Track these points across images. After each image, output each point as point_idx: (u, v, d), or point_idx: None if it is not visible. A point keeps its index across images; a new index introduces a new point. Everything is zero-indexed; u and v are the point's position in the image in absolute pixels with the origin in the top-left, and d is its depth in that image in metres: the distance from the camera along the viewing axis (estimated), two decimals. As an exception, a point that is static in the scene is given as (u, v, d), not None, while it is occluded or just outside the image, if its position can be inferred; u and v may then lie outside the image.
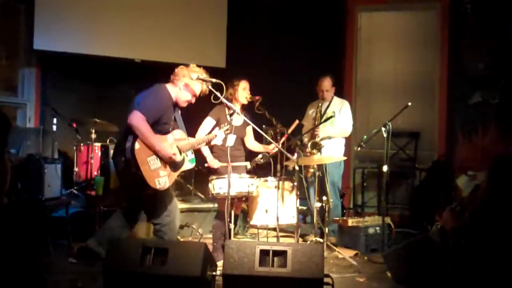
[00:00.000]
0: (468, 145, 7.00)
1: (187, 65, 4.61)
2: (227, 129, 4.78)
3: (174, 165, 4.42)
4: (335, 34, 7.86)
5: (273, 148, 5.27)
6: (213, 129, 5.16)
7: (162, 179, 4.31)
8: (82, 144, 6.39)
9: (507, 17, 6.95)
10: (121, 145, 4.31)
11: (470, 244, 2.13)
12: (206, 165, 5.31)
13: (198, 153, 5.50)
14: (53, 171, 5.47)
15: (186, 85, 4.50)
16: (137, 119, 4.17)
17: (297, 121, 5.42)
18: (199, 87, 4.54)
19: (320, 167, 5.70)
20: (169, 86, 4.52)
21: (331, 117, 5.90)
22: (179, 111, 4.66)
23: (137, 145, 4.18)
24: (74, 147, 6.47)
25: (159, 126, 4.36)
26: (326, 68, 6.78)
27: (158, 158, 4.28)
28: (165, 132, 4.43)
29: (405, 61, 7.85)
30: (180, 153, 4.50)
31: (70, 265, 4.80)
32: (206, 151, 5.27)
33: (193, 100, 4.60)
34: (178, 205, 4.74)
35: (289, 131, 5.25)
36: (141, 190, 4.33)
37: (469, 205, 2.70)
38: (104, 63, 7.13)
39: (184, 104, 4.59)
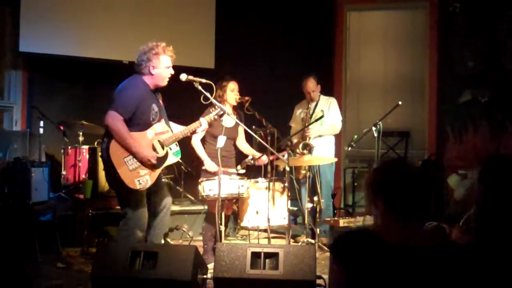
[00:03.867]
0: (459, 144, 7.02)
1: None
2: (215, 114, 4.63)
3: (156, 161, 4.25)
4: (324, 34, 7.84)
5: (261, 157, 5.22)
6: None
7: (143, 178, 4.16)
8: (69, 147, 6.30)
9: (496, 16, 6.97)
10: (103, 145, 4.19)
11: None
12: (203, 168, 5.18)
13: (192, 154, 5.42)
14: (40, 174, 5.41)
15: (153, 67, 4.28)
16: (112, 119, 4.04)
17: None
18: (166, 58, 4.32)
19: (312, 167, 5.67)
20: (142, 76, 4.31)
21: (321, 117, 5.87)
22: (160, 101, 4.46)
23: (112, 146, 4.06)
24: (62, 150, 6.38)
25: (138, 119, 4.18)
26: (316, 68, 6.75)
27: (136, 157, 4.13)
28: (145, 124, 4.23)
29: (394, 60, 7.84)
30: (163, 148, 4.33)
31: (58, 270, 4.73)
32: (202, 152, 5.19)
33: (172, 71, 4.37)
34: (171, 204, 4.58)
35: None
36: (120, 189, 4.21)
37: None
38: (91, 65, 7.05)
39: (166, 82, 4.37)
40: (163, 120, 4.40)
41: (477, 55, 7.10)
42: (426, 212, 2.07)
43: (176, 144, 4.47)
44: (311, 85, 6.08)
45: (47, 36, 6.78)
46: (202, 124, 4.59)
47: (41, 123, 6.24)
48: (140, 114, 4.19)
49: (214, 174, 4.87)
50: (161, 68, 4.31)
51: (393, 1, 7.88)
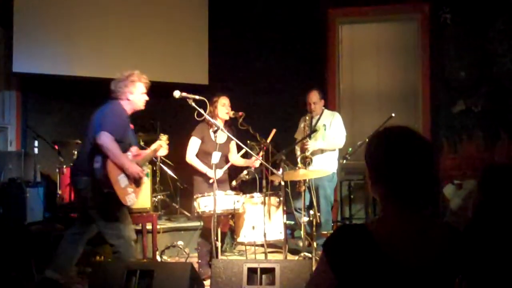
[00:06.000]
0: (453, 154, 7.04)
1: (114, 79, 4.57)
2: (163, 137, 4.81)
3: (137, 181, 4.47)
4: (316, 48, 7.87)
5: (254, 160, 5.26)
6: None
7: (131, 195, 4.37)
8: (64, 166, 6.28)
9: (487, 25, 7.02)
10: (83, 165, 4.34)
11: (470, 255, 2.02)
12: (211, 181, 5.14)
13: (185, 172, 5.46)
14: (35, 194, 5.41)
15: (130, 93, 4.48)
16: (107, 140, 4.16)
17: (274, 130, 5.35)
18: (141, 85, 4.53)
19: (310, 181, 5.66)
20: (120, 102, 4.49)
21: (315, 130, 5.88)
22: (131, 125, 4.67)
23: (109, 165, 4.19)
24: (57, 170, 6.37)
25: (121, 143, 4.34)
26: (309, 81, 6.78)
27: (126, 176, 4.31)
28: (125, 148, 4.44)
29: (387, 72, 7.87)
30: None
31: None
32: (201, 165, 5.24)
33: (146, 97, 4.59)
34: (130, 221, 4.62)
35: (268, 140, 5.21)
36: (109, 207, 4.32)
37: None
38: (84, 83, 7.07)
39: (142, 106, 4.59)
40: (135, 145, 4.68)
41: (469, 65, 7.14)
42: (434, 198, 1.82)
43: (146, 166, 4.77)
44: (314, 97, 6.12)
45: (40, 56, 6.82)
46: (162, 146, 4.80)
47: (36, 143, 6.25)
48: (124, 138, 4.40)
49: (209, 189, 4.87)
50: (137, 94, 4.52)
51: (384, 14, 7.90)
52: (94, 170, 4.21)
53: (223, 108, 5.25)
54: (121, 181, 4.27)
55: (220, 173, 5.17)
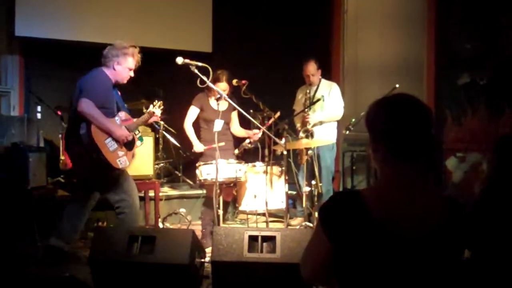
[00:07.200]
0: (457, 127, 7.00)
1: (111, 45, 4.63)
2: (156, 104, 4.82)
3: (128, 144, 4.55)
4: (321, 17, 7.78)
5: (255, 133, 5.28)
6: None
7: (122, 158, 4.46)
8: (67, 132, 6.28)
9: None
10: (73, 134, 4.40)
11: (482, 223, 2.02)
12: (192, 150, 5.31)
13: (185, 139, 5.51)
14: (38, 159, 5.40)
15: (118, 63, 4.53)
16: (87, 106, 4.24)
17: (278, 113, 5.30)
18: (131, 61, 4.57)
19: (312, 151, 5.66)
20: (105, 69, 4.55)
21: (318, 100, 5.84)
22: (119, 92, 4.72)
23: (93, 130, 4.27)
24: (60, 135, 6.37)
25: (105, 108, 4.40)
26: (313, 52, 6.70)
27: (113, 140, 4.40)
28: (111, 114, 4.49)
29: (392, 43, 7.79)
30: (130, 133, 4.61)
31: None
32: (192, 135, 5.34)
33: (132, 74, 4.63)
34: (135, 186, 4.72)
35: (269, 122, 5.20)
36: (104, 172, 4.43)
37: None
38: (87, 49, 6.98)
39: (125, 81, 4.64)
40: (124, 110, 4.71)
41: (475, 37, 7.05)
42: (434, 164, 1.84)
43: (138, 130, 4.80)
44: (311, 68, 6.05)
45: (42, 20, 6.75)
46: (155, 112, 4.80)
47: (39, 108, 6.24)
48: (107, 104, 4.45)
49: (212, 157, 4.87)
50: (124, 67, 4.56)
51: (390, -16, 7.81)
52: (81, 136, 4.29)
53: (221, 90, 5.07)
54: (109, 145, 4.37)
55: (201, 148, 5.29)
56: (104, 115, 4.35)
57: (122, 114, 4.62)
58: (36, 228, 5.06)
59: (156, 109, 4.82)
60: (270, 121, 5.16)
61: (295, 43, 7.54)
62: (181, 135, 6.20)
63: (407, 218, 1.72)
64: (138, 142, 4.78)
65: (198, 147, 5.31)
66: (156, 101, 4.88)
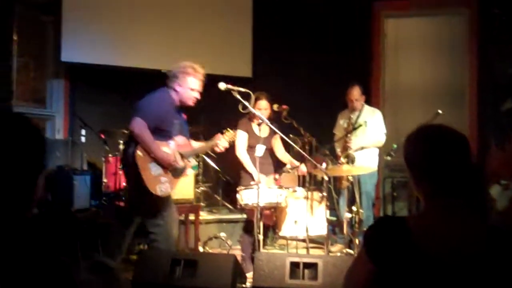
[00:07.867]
0: (501, 153, 6.87)
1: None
2: (229, 134, 4.68)
3: (175, 171, 4.37)
4: (361, 42, 7.79)
5: (299, 167, 5.24)
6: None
7: (163, 185, 4.26)
8: (110, 155, 6.40)
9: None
10: (124, 153, 4.37)
11: None
12: (253, 183, 5.17)
13: (227, 164, 5.47)
14: (82, 182, 5.52)
15: (178, 84, 4.38)
16: (138, 126, 4.13)
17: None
18: (192, 81, 4.40)
19: (352, 177, 5.62)
20: (169, 90, 4.41)
21: (360, 125, 5.82)
22: (184, 115, 4.58)
23: (138, 152, 4.15)
24: (103, 158, 6.49)
25: (161, 130, 4.29)
26: (353, 76, 6.71)
27: (159, 165, 4.24)
28: (168, 136, 4.35)
29: (433, 68, 7.73)
30: (183, 159, 4.44)
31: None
32: (250, 166, 5.22)
33: (198, 96, 4.46)
34: (177, 217, 4.61)
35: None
36: (142, 196, 4.26)
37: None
38: (131, 74, 7.16)
39: (190, 102, 4.45)
40: (184, 135, 4.54)
41: (518, 62, 6.95)
42: (477, 193, 1.79)
43: (194, 159, 4.67)
44: (356, 93, 6.06)
45: (88, 45, 6.91)
46: (221, 142, 4.64)
47: (83, 132, 6.37)
48: (164, 126, 4.31)
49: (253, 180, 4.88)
50: (185, 88, 4.39)
51: (430, 8, 7.76)
52: (127, 154, 4.23)
53: (260, 111, 5.11)
54: (153, 169, 4.21)
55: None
56: (157, 137, 4.22)
57: (180, 139, 4.46)
58: (79, 248, 5.14)
59: (222, 139, 4.63)
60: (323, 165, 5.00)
61: (334, 68, 7.54)
62: (221, 159, 6.25)
63: (451, 248, 1.71)
64: (189, 171, 4.59)
65: (258, 177, 4.86)
66: (228, 129, 4.72)
